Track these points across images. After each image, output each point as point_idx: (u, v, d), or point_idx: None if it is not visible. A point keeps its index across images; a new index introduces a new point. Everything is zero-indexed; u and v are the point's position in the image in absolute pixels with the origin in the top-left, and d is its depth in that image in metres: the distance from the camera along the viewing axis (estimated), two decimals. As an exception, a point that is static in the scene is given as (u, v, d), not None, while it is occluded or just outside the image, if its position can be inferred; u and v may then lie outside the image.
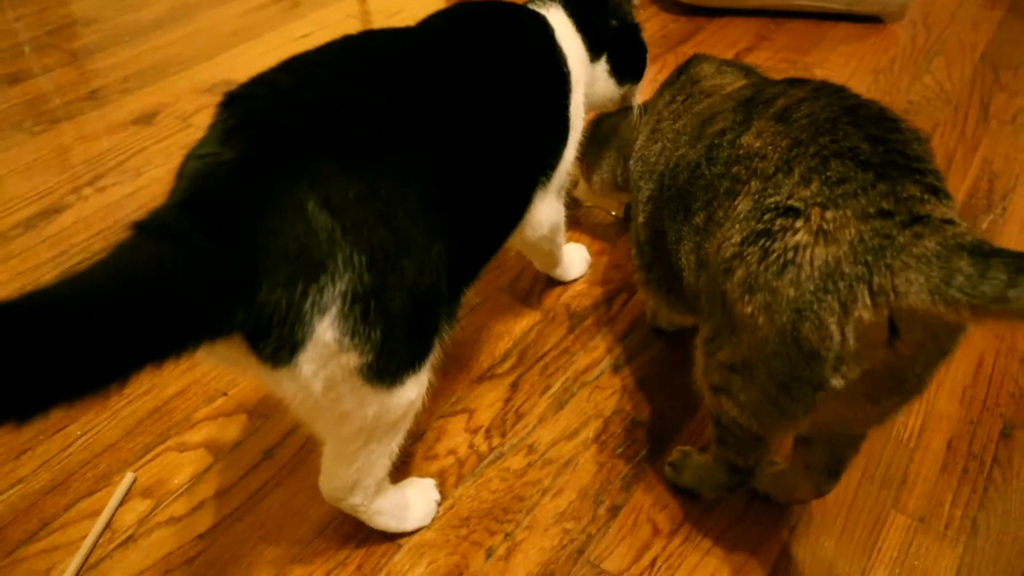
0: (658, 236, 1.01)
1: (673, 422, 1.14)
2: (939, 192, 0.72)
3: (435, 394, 1.10)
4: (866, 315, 0.68)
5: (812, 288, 0.70)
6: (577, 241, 1.43)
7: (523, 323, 1.29)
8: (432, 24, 1.04)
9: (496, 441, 1.12)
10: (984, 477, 1.08)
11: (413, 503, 1.01)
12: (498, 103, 0.98)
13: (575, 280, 1.37)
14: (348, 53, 0.88)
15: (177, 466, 1.08)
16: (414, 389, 0.84)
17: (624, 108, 1.32)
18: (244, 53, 2.05)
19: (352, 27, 2.09)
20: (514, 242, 1.17)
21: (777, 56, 2.04)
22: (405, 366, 0.80)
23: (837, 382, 0.72)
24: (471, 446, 1.11)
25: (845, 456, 0.92)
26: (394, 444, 0.90)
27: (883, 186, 0.70)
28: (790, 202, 0.73)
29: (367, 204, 0.72)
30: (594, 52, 1.19)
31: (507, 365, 1.22)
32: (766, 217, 0.74)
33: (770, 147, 0.79)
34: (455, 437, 1.12)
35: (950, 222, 0.68)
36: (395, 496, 0.99)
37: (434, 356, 0.86)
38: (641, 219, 1.08)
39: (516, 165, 1.02)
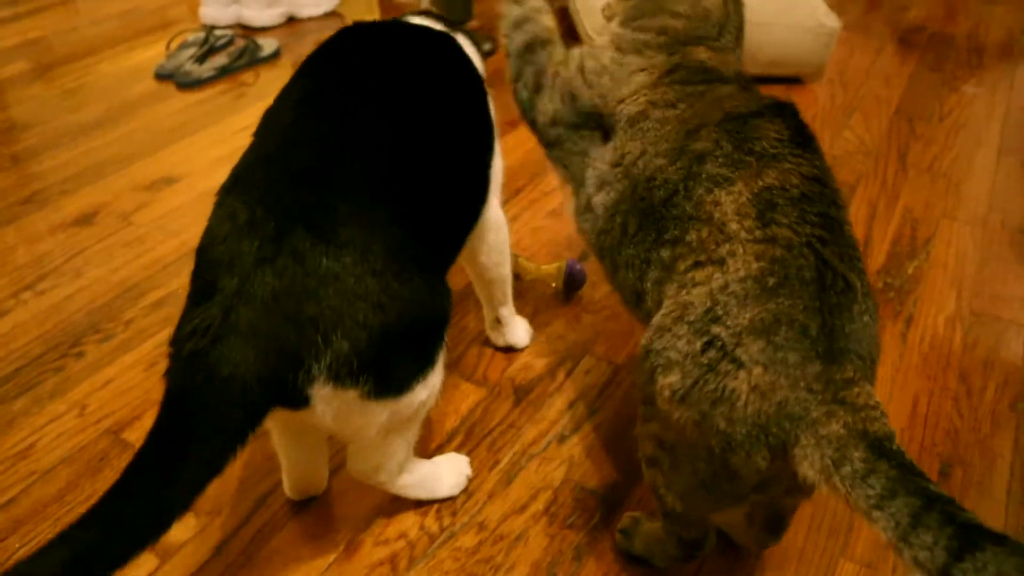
0: (616, 246, 0.97)
1: (622, 488, 1.15)
2: (867, 367, 0.77)
3: (383, 478, 1.10)
4: (781, 464, 0.75)
5: (744, 432, 0.75)
6: (520, 314, 1.45)
7: (469, 400, 1.30)
8: (357, 60, 1.06)
9: (447, 521, 1.11)
10: (927, 519, 1.10)
11: (445, 473, 1.13)
12: (435, 123, 1.03)
13: (520, 351, 1.39)
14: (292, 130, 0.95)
15: (121, 572, 1.05)
16: (423, 392, 0.94)
17: None
18: (184, 148, 2.07)
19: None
20: (466, 265, 1.28)
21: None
22: (410, 378, 0.91)
23: (756, 497, 0.83)
24: (422, 527, 1.10)
25: (784, 514, 0.94)
26: (411, 434, 1.02)
27: (819, 365, 0.74)
28: (737, 352, 0.75)
29: (346, 293, 0.81)
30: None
31: (455, 444, 1.22)
32: (711, 353, 0.77)
33: (740, 249, 0.79)
34: (405, 520, 1.11)
35: (871, 407, 0.73)
36: (423, 470, 1.11)
37: (442, 359, 0.96)
38: (602, 223, 1.00)
39: (468, 172, 1.10)
